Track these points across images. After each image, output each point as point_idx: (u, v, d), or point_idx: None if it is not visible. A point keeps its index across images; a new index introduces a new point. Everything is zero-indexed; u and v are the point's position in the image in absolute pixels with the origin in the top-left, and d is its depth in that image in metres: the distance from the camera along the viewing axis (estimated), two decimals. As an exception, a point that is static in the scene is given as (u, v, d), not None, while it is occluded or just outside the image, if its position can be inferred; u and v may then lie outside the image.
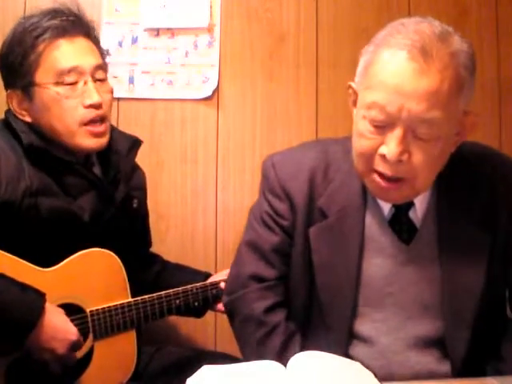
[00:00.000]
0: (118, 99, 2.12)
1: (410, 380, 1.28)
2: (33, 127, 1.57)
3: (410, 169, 1.19)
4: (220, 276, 1.79)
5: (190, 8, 2.16)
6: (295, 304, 1.38)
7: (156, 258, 1.91)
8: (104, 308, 1.59)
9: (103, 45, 1.69)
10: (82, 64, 1.55)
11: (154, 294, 1.67)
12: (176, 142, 2.18)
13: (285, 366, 1.13)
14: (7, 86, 1.59)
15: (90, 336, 1.57)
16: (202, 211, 2.18)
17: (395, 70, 1.15)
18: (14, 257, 1.47)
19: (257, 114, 2.21)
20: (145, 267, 1.83)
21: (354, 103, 1.27)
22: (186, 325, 2.13)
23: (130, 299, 1.63)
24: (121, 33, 2.16)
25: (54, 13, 1.58)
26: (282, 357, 1.29)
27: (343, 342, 1.33)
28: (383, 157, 1.19)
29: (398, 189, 1.23)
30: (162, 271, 1.87)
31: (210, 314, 1.90)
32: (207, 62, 2.18)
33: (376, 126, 1.19)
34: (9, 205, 1.46)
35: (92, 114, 1.56)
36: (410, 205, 1.32)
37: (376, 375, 1.14)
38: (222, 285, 1.70)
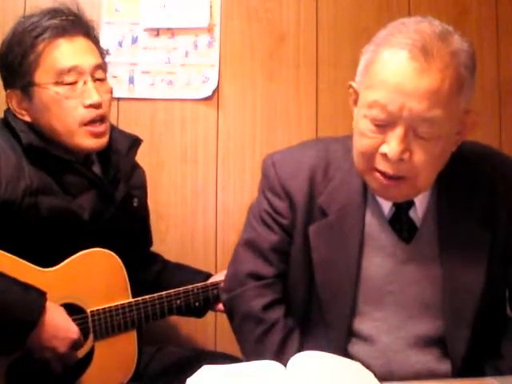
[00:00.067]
0: (118, 99, 2.12)
1: (410, 379, 1.28)
2: (32, 127, 1.57)
3: (411, 168, 1.20)
4: (221, 276, 1.78)
5: (190, 8, 2.16)
6: (295, 302, 1.39)
7: (156, 257, 1.91)
8: (104, 308, 1.59)
9: (103, 45, 1.69)
10: (82, 64, 1.55)
11: (155, 294, 1.67)
12: (176, 142, 2.18)
13: (284, 364, 1.14)
14: (7, 86, 1.59)
15: (91, 336, 1.57)
16: (202, 211, 2.18)
17: (396, 69, 1.16)
18: (15, 257, 1.47)
19: (257, 114, 2.21)
20: (145, 266, 1.83)
21: (355, 102, 1.27)
22: (186, 325, 2.13)
23: (131, 299, 1.63)
24: (121, 33, 2.16)
25: (54, 12, 1.57)
26: (282, 353, 1.30)
27: (342, 340, 1.33)
28: (384, 156, 1.19)
29: (398, 186, 1.23)
30: (162, 271, 1.87)
31: (210, 314, 1.90)
32: (207, 61, 2.18)
33: (377, 125, 1.19)
34: (9, 204, 1.46)
35: (92, 113, 1.56)
36: (411, 204, 1.32)
37: (376, 375, 1.14)
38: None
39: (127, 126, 1.85)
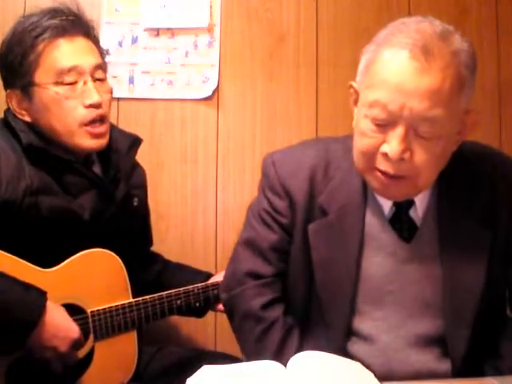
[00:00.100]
0: (118, 99, 2.12)
1: (410, 378, 1.29)
2: (32, 127, 1.56)
3: (412, 167, 1.20)
4: (221, 276, 1.76)
5: (190, 8, 2.16)
6: (294, 301, 1.39)
7: (157, 257, 1.91)
8: (105, 308, 1.59)
9: (103, 45, 1.69)
10: (82, 63, 1.55)
11: (155, 295, 1.67)
12: (176, 142, 2.18)
13: (284, 364, 1.14)
14: (7, 86, 1.59)
15: (91, 336, 1.57)
16: (202, 211, 2.18)
17: (397, 68, 1.16)
18: (15, 257, 1.47)
19: (257, 114, 2.21)
20: (146, 266, 1.83)
21: (355, 102, 1.28)
22: (186, 325, 2.13)
23: (131, 299, 1.63)
24: (121, 33, 2.16)
25: (54, 12, 1.57)
26: (281, 352, 1.31)
27: (342, 339, 1.33)
28: (385, 155, 1.19)
29: (399, 185, 1.23)
30: (163, 271, 1.87)
31: (210, 314, 1.90)
32: (207, 61, 2.18)
33: (378, 125, 1.19)
34: (9, 204, 1.46)
35: (93, 114, 1.55)
36: (411, 203, 1.32)
37: (376, 374, 1.14)
38: (223, 285, 1.70)
39: (127, 126, 1.85)
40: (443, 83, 1.15)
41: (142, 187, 1.79)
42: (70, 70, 1.54)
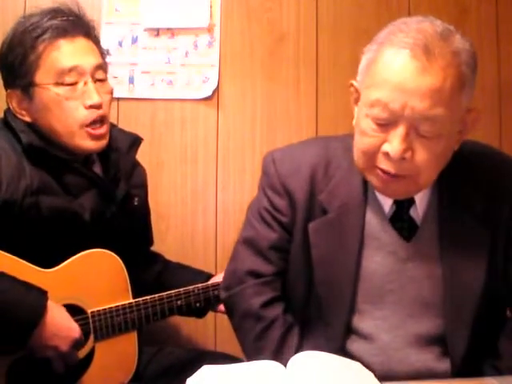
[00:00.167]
0: (118, 99, 2.12)
1: (409, 377, 1.29)
2: (32, 127, 1.56)
3: (414, 166, 1.20)
4: (221, 277, 1.78)
5: (190, 8, 2.16)
6: (294, 299, 1.39)
7: (157, 257, 1.91)
8: (105, 309, 1.58)
9: (103, 45, 1.69)
10: (82, 64, 1.55)
11: (156, 295, 1.67)
12: (176, 142, 2.18)
13: (284, 363, 1.14)
14: (7, 86, 1.59)
15: (91, 337, 1.57)
16: (202, 211, 2.18)
17: (398, 68, 1.16)
18: (16, 257, 1.47)
19: (257, 114, 2.21)
20: (146, 266, 1.83)
21: (356, 101, 1.28)
22: (186, 325, 2.12)
23: (132, 300, 1.63)
24: (121, 33, 2.16)
25: (54, 13, 1.57)
26: (281, 350, 1.31)
27: (341, 338, 1.33)
28: (386, 155, 1.19)
29: (399, 183, 1.23)
30: (163, 271, 1.87)
31: (210, 315, 1.90)
32: (207, 61, 2.18)
33: (379, 124, 1.19)
34: (10, 204, 1.46)
35: (93, 114, 1.55)
36: (411, 202, 1.32)
37: (375, 373, 1.14)
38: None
39: (127, 126, 1.84)
40: (444, 82, 1.15)
41: (143, 187, 1.79)
42: (71, 70, 1.53)
